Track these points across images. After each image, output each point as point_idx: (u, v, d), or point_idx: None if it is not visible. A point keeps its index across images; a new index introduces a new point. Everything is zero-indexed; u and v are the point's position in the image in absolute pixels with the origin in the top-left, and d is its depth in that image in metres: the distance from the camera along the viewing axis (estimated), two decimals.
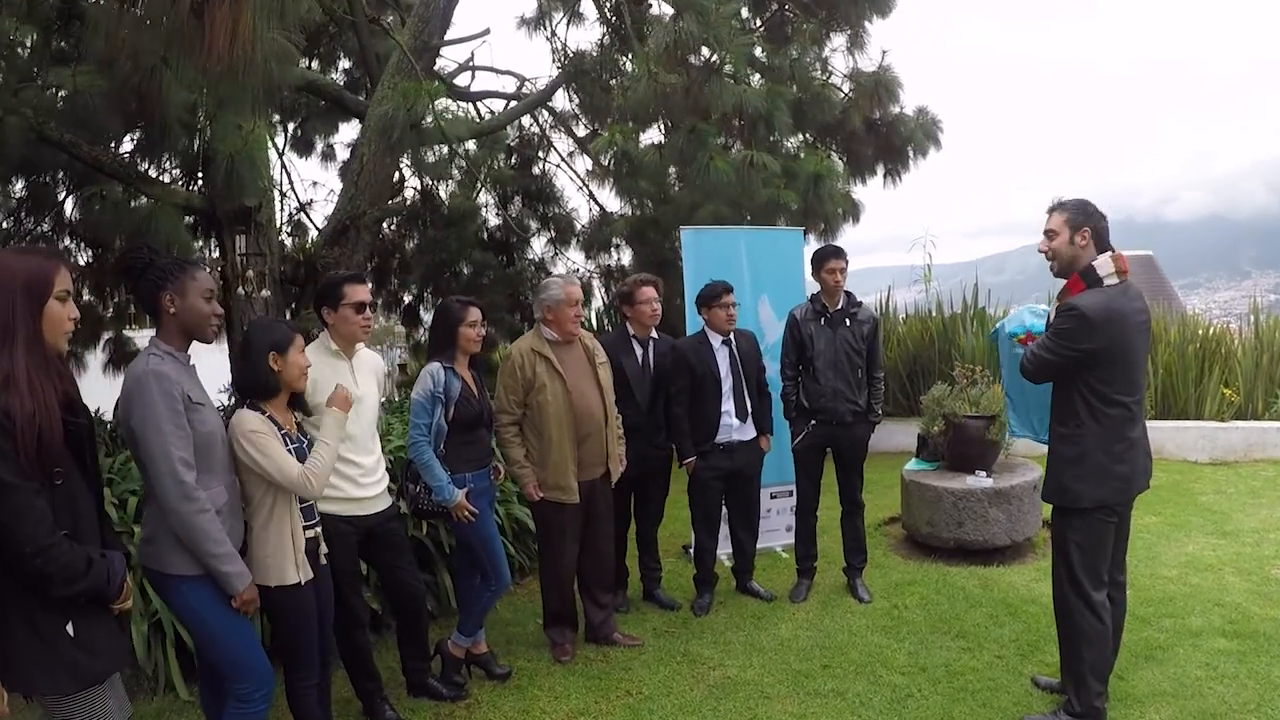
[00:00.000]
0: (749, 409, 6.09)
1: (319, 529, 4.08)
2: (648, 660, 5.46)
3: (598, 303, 12.41)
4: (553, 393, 5.23)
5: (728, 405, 6.01)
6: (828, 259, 6.11)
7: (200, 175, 8.25)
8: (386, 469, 4.87)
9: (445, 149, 12.18)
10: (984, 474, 6.95)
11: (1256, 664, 5.04)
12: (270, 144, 8.10)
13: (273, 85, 5.60)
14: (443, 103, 6.83)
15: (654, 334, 6.14)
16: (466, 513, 4.93)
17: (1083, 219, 4.28)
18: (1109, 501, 4.24)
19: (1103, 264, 4.22)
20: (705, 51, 8.27)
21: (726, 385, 6.01)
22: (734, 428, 6.03)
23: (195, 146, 7.62)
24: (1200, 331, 11.64)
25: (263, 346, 3.86)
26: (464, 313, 5.04)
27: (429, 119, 6.67)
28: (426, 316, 12.79)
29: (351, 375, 4.59)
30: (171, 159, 8.33)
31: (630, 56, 8.50)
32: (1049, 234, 4.38)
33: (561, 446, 5.25)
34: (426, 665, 5.07)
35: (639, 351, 6.08)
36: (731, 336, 6.09)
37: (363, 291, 4.61)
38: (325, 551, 4.12)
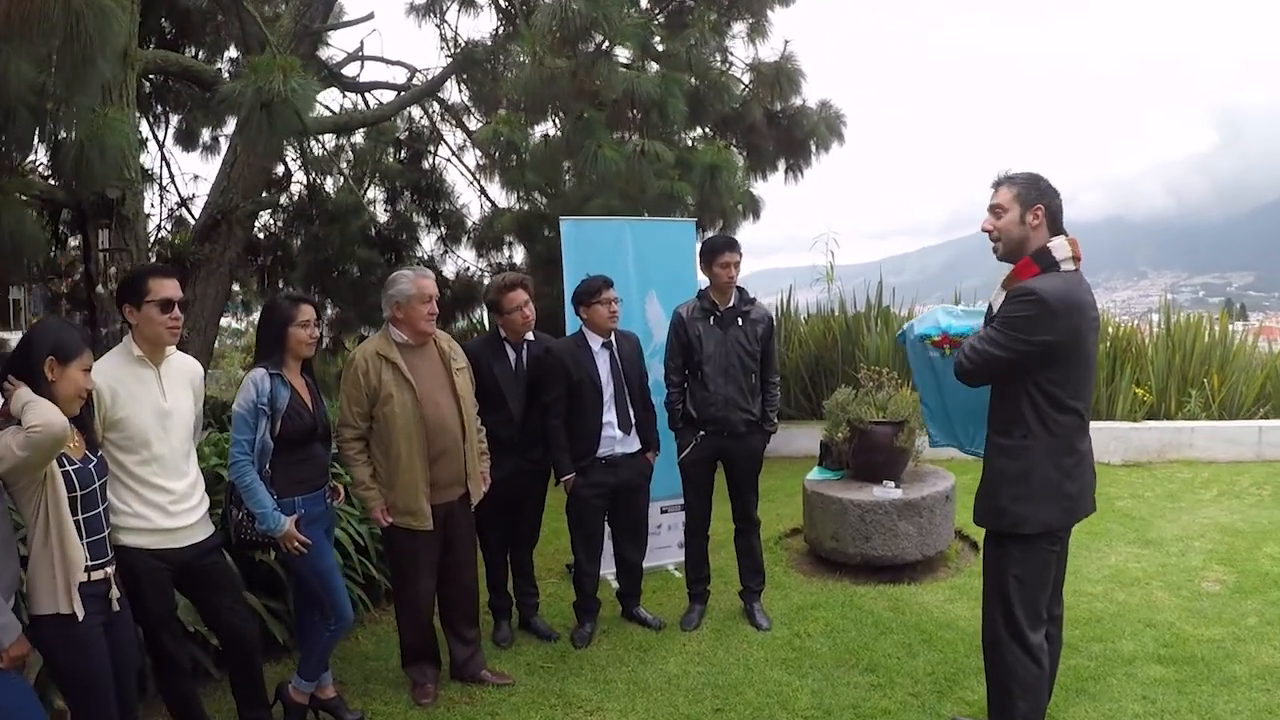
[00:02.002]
0: (632, 419, 5.43)
1: (109, 569, 3.48)
2: (518, 703, 4.80)
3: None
4: (400, 404, 4.52)
5: (609, 415, 5.34)
6: (720, 251, 5.45)
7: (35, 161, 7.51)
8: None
9: (330, 140, 11.54)
10: (892, 484, 6.38)
11: (1197, 695, 4.52)
12: (132, 131, 7.28)
13: (90, 54, 4.80)
14: (303, 82, 6.03)
15: (530, 335, 5.45)
16: (296, 543, 4.23)
17: (1035, 195, 3.64)
18: (1056, 526, 3.66)
19: (1059, 246, 3.59)
20: (597, 36, 7.60)
21: (608, 393, 5.34)
22: (617, 440, 5.37)
23: (43, 133, 6.87)
24: (1111, 330, 11.31)
25: (42, 348, 3.30)
26: (294, 311, 4.33)
27: (282, 98, 5.88)
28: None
29: (159, 384, 3.91)
30: (10, 146, 7.53)
31: (519, 41, 7.83)
32: (995, 210, 3.72)
33: (411, 465, 4.54)
34: (266, 713, 4.37)
35: (511, 355, 5.38)
36: (613, 338, 5.43)
37: (170, 287, 3.89)
38: (118, 596, 3.51)
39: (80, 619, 3.31)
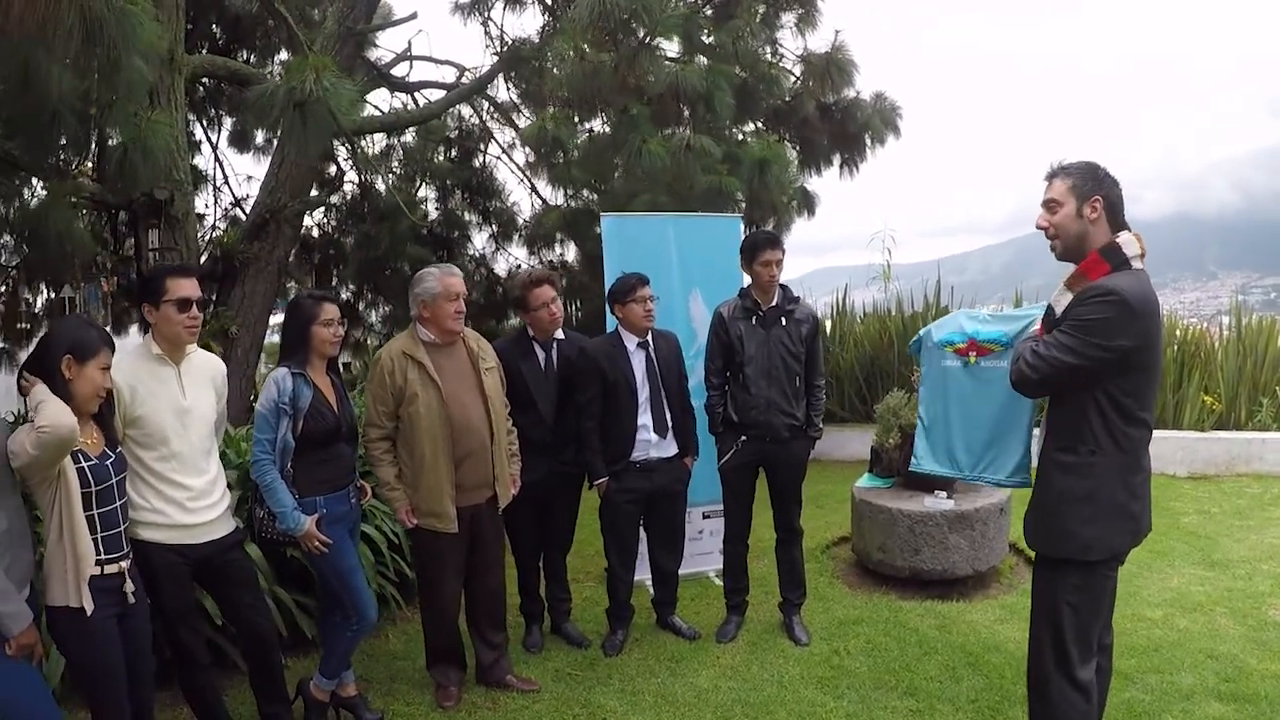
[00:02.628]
0: (669, 423, 5.23)
1: (124, 563, 3.48)
2: (541, 710, 4.66)
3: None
4: (425, 403, 4.40)
5: (645, 418, 5.16)
6: (761, 249, 5.21)
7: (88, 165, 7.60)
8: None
9: (380, 139, 11.51)
10: (944, 494, 6.06)
11: None
12: (181, 133, 7.31)
13: (116, 57, 4.75)
14: (336, 80, 5.92)
15: (559, 333, 5.27)
16: (317, 543, 4.13)
17: (1092, 186, 3.33)
18: (1121, 550, 3.37)
19: (1129, 242, 3.28)
20: (638, 28, 7.42)
21: (643, 395, 5.16)
22: (652, 443, 5.18)
23: (89, 137, 6.99)
24: (1178, 333, 10.65)
25: (61, 346, 3.31)
26: (317, 309, 4.25)
27: (316, 97, 5.78)
28: (366, 314, 12.37)
29: (178, 383, 3.88)
30: (64, 151, 7.64)
31: (561, 36, 7.69)
32: (1050, 205, 3.42)
33: (436, 467, 4.42)
34: (285, 709, 4.35)
35: (540, 355, 5.21)
36: (650, 338, 5.23)
37: (187, 286, 3.85)
38: (133, 589, 3.50)
39: (89, 613, 3.31)
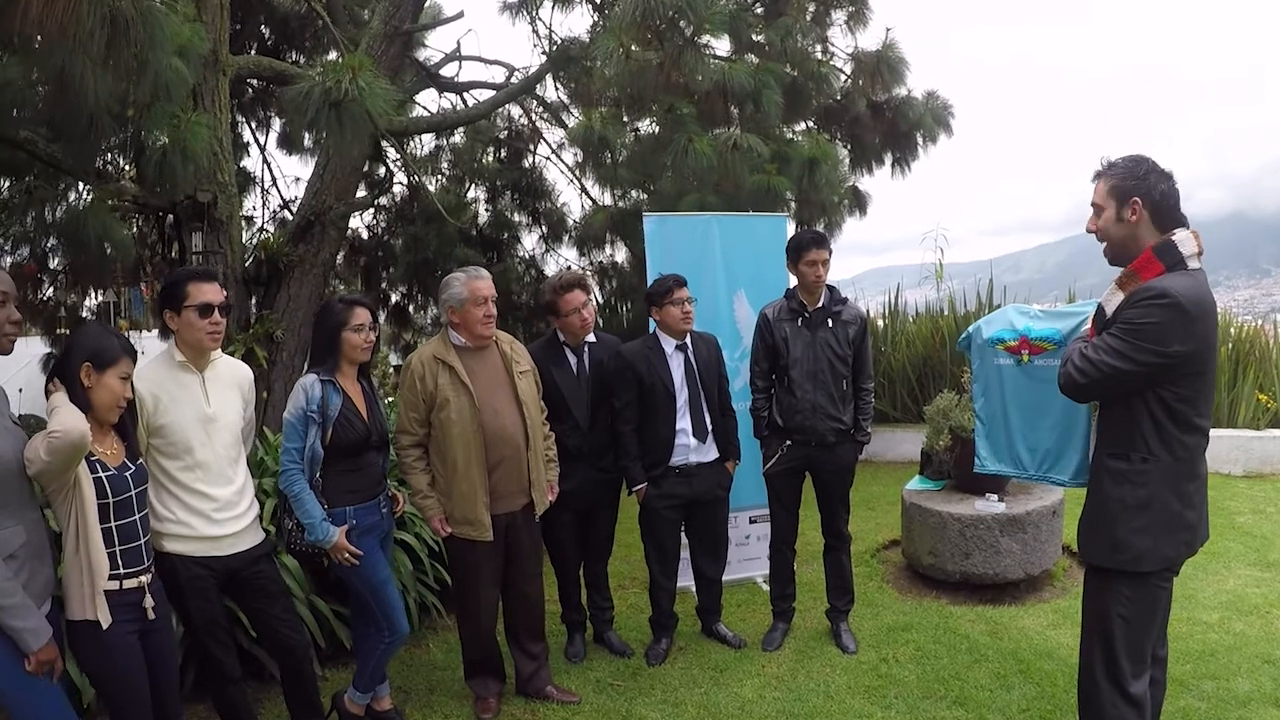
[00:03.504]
0: (709, 427, 4.99)
1: (144, 578, 3.32)
2: None
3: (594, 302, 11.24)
4: (457, 409, 4.21)
5: (683, 422, 4.93)
6: (806, 248, 4.97)
7: (132, 168, 7.46)
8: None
9: (429, 140, 11.35)
10: (995, 497, 5.81)
11: None
12: (225, 134, 7.18)
13: (144, 57, 4.60)
14: (373, 80, 5.75)
15: (590, 337, 5.05)
16: (347, 554, 3.95)
17: (1131, 186, 3.10)
18: (1176, 561, 3.15)
19: (1184, 241, 3.04)
20: (684, 26, 7.18)
21: (681, 399, 4.93)
22: (691, 448, 4.95)
23: (129, 140, 6.87)
24: (1233, 331, 10.34)
25: (80, 354, 3.18)
26: (348, 314, 4.07)
27: (352, 97, 5.60)
28: (416, 316, 12.14)
29: (202, 390, 3.71)
30: (104, 153, 7.54)
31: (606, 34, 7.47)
32: (1095, 208, 3.21)
33: (469, 474, 4.23)
34: None
35: (572, 360, 4.99)
36: (688, 340, 5.00)
37: (211, 291, 3.68)
38: (153, 605, 3.34)
39: (105, 626, 3.18)
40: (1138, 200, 3.07)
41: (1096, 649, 3.22)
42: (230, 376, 3.88)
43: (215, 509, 3.67)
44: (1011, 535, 5.64)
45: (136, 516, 3.29)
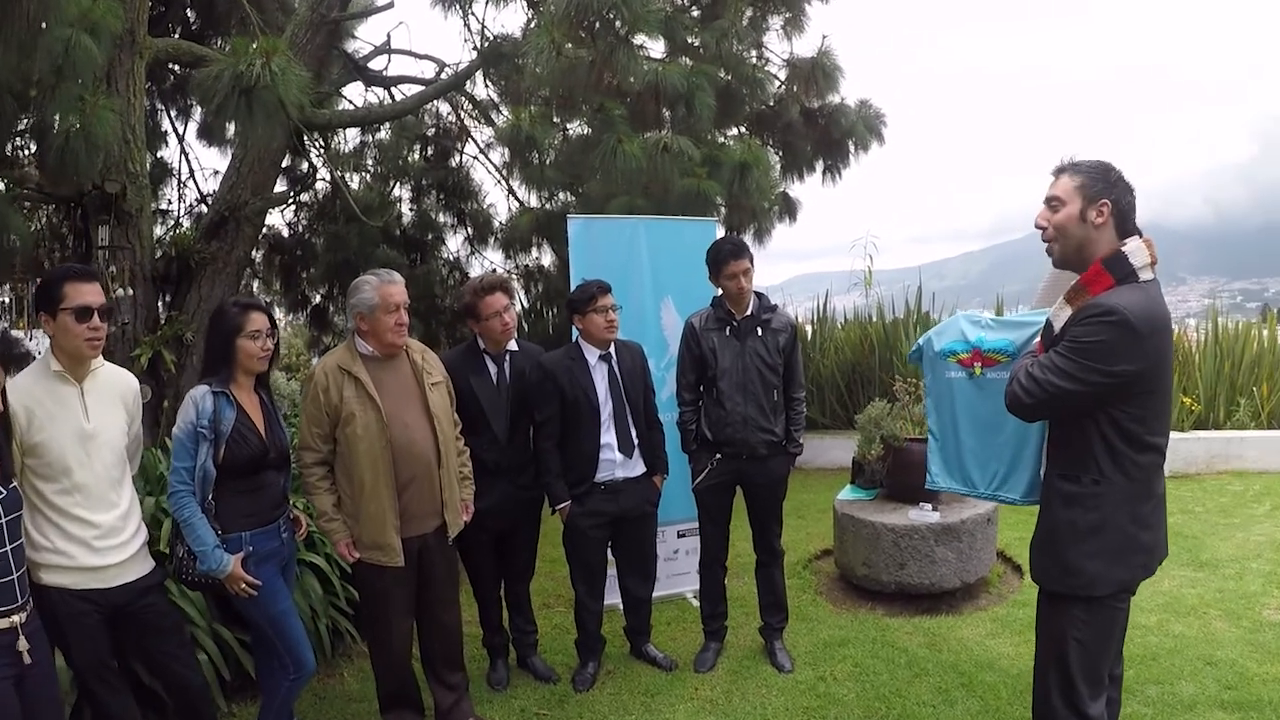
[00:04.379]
0: (635, 440, 4.66)
1: (17, 617, 2.92)
2: None
3: (518, 308, 11.09)
4: (364, 424, 3.80)
5: (608, 437, 4.59)
6: (726, 261, 4.65)
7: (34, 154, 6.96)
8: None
9: (354, 136, 10.89)
10: (929, 506, 5.59)
11: None
12: (139, 121, 6.71)
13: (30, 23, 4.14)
14: (287, 66, 5.31)
15: (513, 344, 4.68)
16: (244, 585, 3.52)
17: (1102, 188, 2.85)
18: (1132, 583, 2.97)
19: (1136, 251, 2.81)
20: (618, 23, 6.85)
21: (606, 412, 4.58)
22: (617, 463, 4.61)
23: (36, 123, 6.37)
24: None
25: None
26: (242, 319, 3.63)
27: (265, 83, 5.16)
28: (337, 319, 11.56)
29: (81, 404, 3.29)
30: (10, 137, 6.99)
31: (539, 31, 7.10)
32: (1052, 202, 2.94)
33: (377, 494, 3.82)
34: None
35: (492, 369, 4.60)
36: (612, 350, 4.67)
37: (90, 292, 3.26)
38: (28, 648, 2.93)
39: None
40: (1107, 204, 2.84)
41: (1052, 673, 3.00)
42: (113, 388, 3.46)
43: (97, 536, 3.27)
44: (946, 544, 5.45)
45: (8, 547, 2.90)
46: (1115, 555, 2.86)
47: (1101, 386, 2.74)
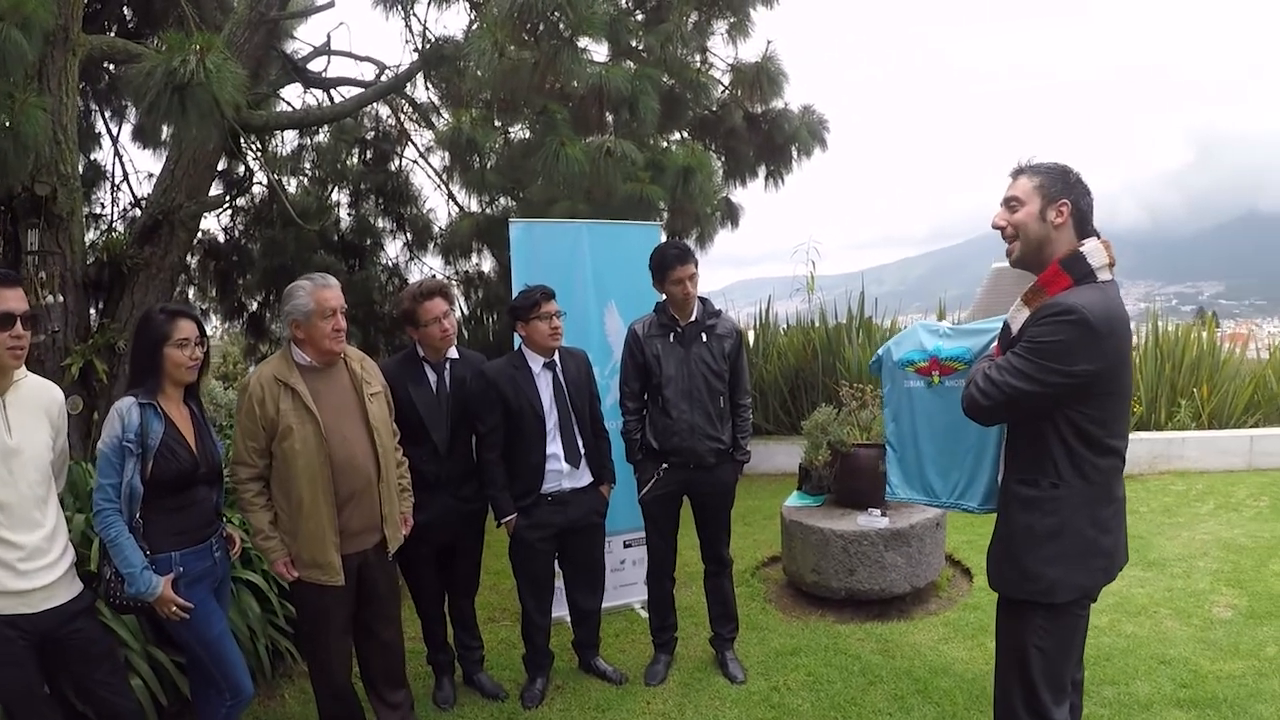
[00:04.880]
0: (581, 450, 4.56)
1: None
2: None
3: (458, 314, 10.84)
4: (302, 438, 3.64)
5: (554, 447, 4.47)
6: (671, 266, 4.55)
7: None
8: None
9: (292, 138, 10.64)
10: (878, 512, 5.57)
11: None
12: (71, 121, 6.44)
13: None
14: (222, 63, 5.11)
15: (453, 352, 4.54)
16: (174, 608, 3.35)
17: (1061, 189, 2.82)
18: (1093, 589, 2.90)
19: (1093, 251, 2.77)
20: (562, 25, 6.73)
21: (551, 421, 4.47)
22: (563, 474, 4.50)
23: None
24: None
25: None
26: (169, 327, 3.45)
27: (199, 80, 4.96)
28: (274, 327, 11.27)
29: (2, 417, 3.10)
30: None
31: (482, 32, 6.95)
32: (1010, 203, 2.90)
33: (316, 510, 3.67)
34: None
35: (432, 377, 4.45)
36: (557, 357, 4.55)
37: (12, 298, 3.09)
38: None
39: None
40: (1066, 204, 2.81)
41: (1014, 681, 2.94)
42: (36, 400, 3.26)
43: (21, 558, 3.08)
44: (896, 549, 5.43)
45: None
46: (1075, 560, 2.81)
47: (1060, 387, 2.70)
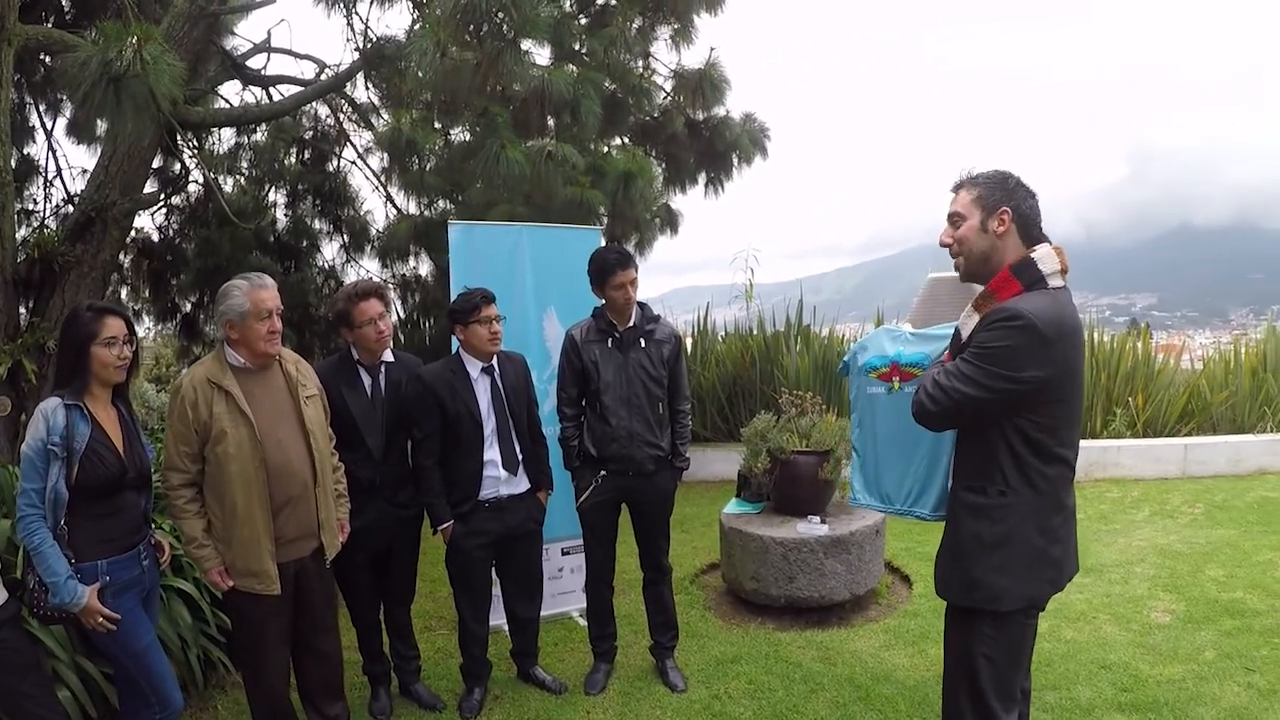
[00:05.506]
0: (519, 456, 4.52)
1: None
2: None
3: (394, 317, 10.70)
4: (236, 442, 3.55)
5: (492, 453, 4.42)
6: (612, 271, 4.53)
7: None
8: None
9: (229, 136, 10.48)
10: (817, 519, 5.58)
11: None
12: (3, 114, 6.24)
13: None
14: (160, 54, 4.98)
15: (388, 355, 4.48)
16: (100, 618, 3.27)
17: (1000, 197, 2.82)
18: (1040, 599, 2.90)
19: (1045, 258, 2.77)
20: (505, 26, 6.68)
21: (489, 427, 4.43)
22: (501, 480, 4.46)
23: None
24: None
25: None
26: (97, 325, 3.37)
27: (136, 72, 4.84)
28: (208, 329, 11.08)
29: None
30: None
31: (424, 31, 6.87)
32: (953, 218, 2.90)
33: (251, 518, 3.58)
34: None
35: (366, 380, 4.40)
36: (495, 362, 4.51)
37: None
38: None
39: None
40: (1007, 211, 2.81)
41: (963, 689, 2.93)
42: None
43: None
44: (836, 556, 5.44)
45: None
46: (1022, 569, 2.81)
47: (1008, 393, 2.69)
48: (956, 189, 2.93)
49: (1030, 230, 2.83)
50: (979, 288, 2.87)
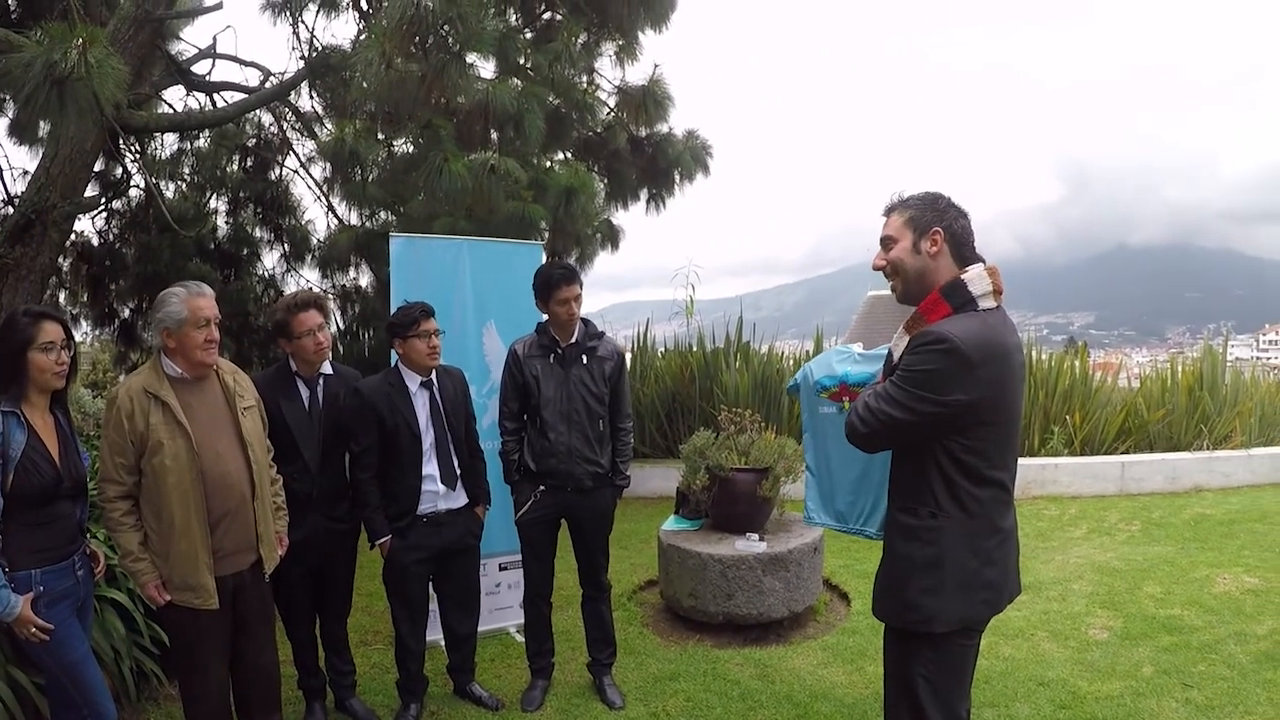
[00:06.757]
0: (457, 471, 4.57)
1: None
2: None
3: (333, 328, 10.70)
4: (173, 454, 3.55)
5: (430, 467, 4.47)
6: (557, 286, 4.59)
7: None
8: None
9: (172, 141, 10.42)
10: (756, 536, 5.66)
11: None
12: None
13: None
14: (105, 57, 4.99)
15: (327, 367, 4.51)
16: (34, 629, 3.27)
17: (931, 217, 2.85)
18: (976, 621, 2.90)
19: (975, 279, 2.80)
20: (450, 38, 6.74)
21: (428, 441, 4.47)
22: (440, 495, 4.50)
23: None
24: None
25: None
26: (34, 330, 3.37)
27: (80, 74, 4.84)
28: (146, 335, 10.89)
29: None
30: None
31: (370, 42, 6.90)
32: (885, 241, 2.94)
33: (189, 531, 3.58)
34: None
35: (304, 392, 4.43)
36: (434, 376, 4.55)
37: None
38: None
39: None
40: (939, 231, 2.84)
41: (904, 710, 2.95)
42: None
43: None
44: (774, 574, 5.51)
45: None
46: (955, 591, 2.81)
47: (933, 416, 2.71)
48: (888, 213, 2.96)
49: (962, 250, 2.86)
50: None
